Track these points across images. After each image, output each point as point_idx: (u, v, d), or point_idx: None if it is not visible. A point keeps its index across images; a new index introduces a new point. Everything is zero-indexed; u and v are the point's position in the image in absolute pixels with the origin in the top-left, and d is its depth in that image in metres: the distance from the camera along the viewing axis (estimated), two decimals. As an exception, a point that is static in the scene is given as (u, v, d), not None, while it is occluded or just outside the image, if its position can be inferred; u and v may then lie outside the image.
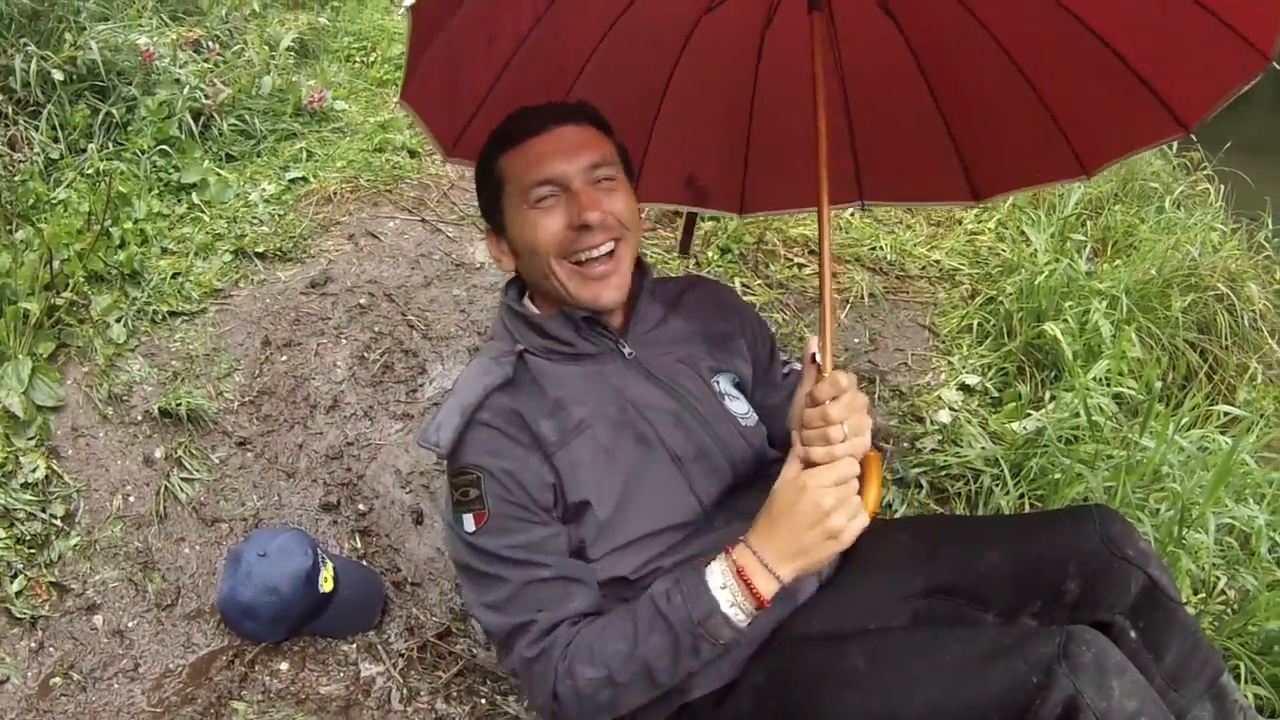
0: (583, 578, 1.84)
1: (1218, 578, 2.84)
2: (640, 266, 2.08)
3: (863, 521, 1.69)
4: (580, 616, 1.79)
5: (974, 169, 2.55)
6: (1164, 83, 2.15)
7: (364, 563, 2.83)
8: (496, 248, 2.03)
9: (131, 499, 2.90)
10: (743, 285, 3.78)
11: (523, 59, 2.14)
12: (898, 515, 3.01)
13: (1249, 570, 2.86)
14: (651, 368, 2.00)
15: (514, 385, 1.88)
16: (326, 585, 2.55)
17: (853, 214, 4.49)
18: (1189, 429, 3.36)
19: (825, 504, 1.64)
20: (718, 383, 2.09)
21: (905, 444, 3.30)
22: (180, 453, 3.00)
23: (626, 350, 1.99)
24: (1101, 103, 2.27)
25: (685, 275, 2.30)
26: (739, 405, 2.09)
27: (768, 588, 1.68)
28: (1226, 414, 3.54)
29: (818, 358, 1.80)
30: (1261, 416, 3.94)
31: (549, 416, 1.86)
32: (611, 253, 1.90)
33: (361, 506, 2.96)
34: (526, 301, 2.02)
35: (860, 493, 1.72)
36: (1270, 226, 5.40)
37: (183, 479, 2.95)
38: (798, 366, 2.23)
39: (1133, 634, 2.05)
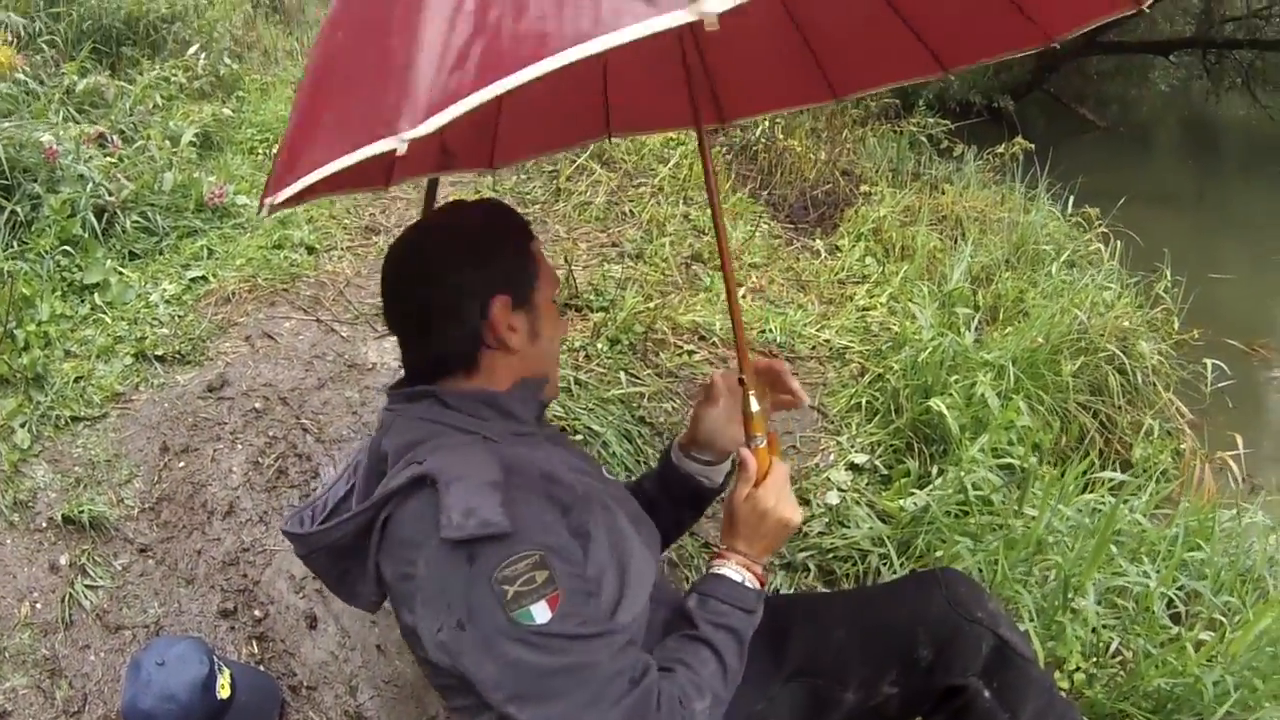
0: (636, 638, 1.79)
1: (1111, 639, 2.88)
2: None
3: None
4: (658, 669, 1.71)
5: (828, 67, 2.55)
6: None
7: (261, 668, 2.83)
8: (508, 320, 1.85)
9: (39, 606, 2.89)
10: (631, 376, 3.81)
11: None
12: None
13: (1143, 630, 2.91)
14: (559, 441, 2.04)
15: (508, 462, 1.70)
16: (224, 692, 2.54)
17: (742, 296, 4.55)
18: (1081, 493, 3.42)
19: (785, 513, 1.90)
20: None
21: (793, 528, 3.31)
22: (84, 560, 3.00)
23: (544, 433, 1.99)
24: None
25: None
26: None
27: (763, 575, 1.94)
28: (1114, 480, 3.59)
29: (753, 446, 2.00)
30: (1161, 473, 4.03)
31: (554, 485, 1.71)
32: None
33: (258, 612, 2.96)
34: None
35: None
36: (1169, 277, 5.52)
37: (87, 586, 2.95)
38: None
39: (987, 694, 2.09)
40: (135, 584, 2.99)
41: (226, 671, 2.59)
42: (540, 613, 1.54)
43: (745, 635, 1.85)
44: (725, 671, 1.79)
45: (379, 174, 2.27)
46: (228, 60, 6.92)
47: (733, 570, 1.89)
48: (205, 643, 2.63)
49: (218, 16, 7.80)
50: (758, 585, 1.90)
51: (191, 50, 6.70)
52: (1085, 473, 3.51)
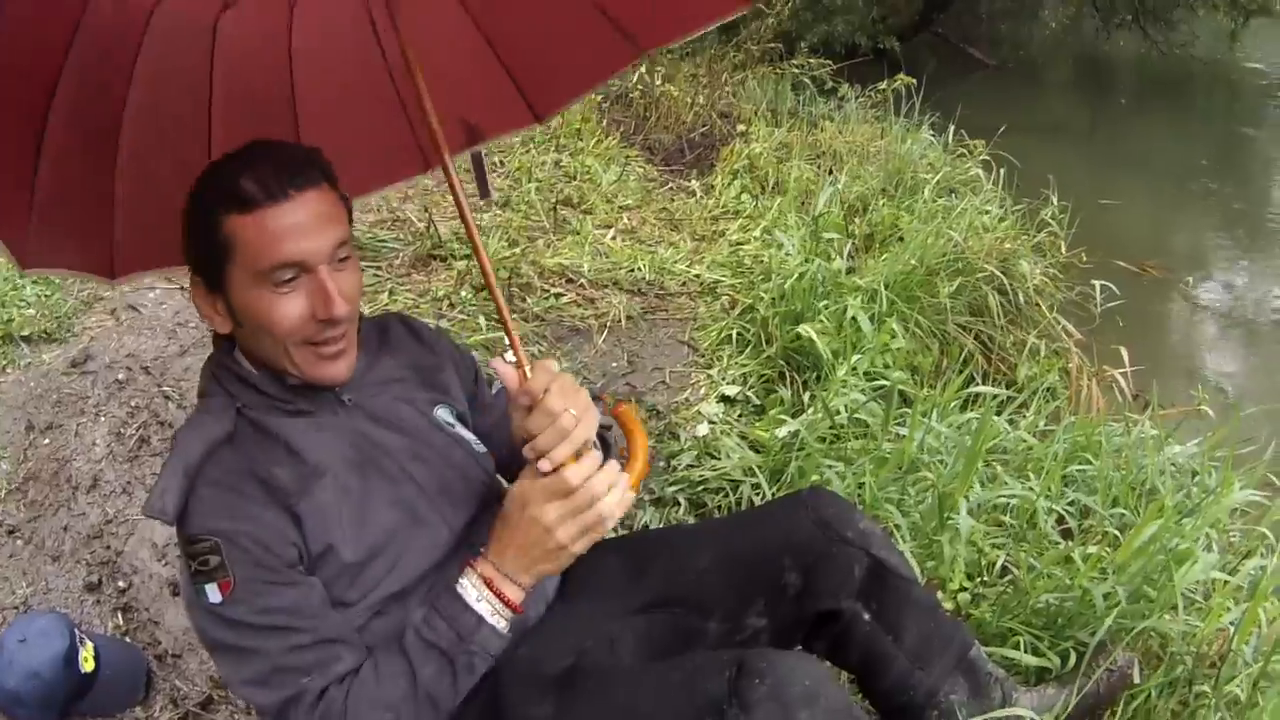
0: (344, 636, 1.70)
1: (997, 557, 2.83)
2: None
3: (626, 500, 1.67)
4: (349, 674, 1.67)
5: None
6: None
7: (127, 639, 2.80)
8: (209, 305, 1.76)
9: (-93, 598, 2.84)
10: (493, 322, 3.75)
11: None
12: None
13: (1031, 547, 2.87)
14: (375, 410, 1.88)
15: (237, 440, 1.72)
16: (87, 665, 2.51)
17: (612, 238, 4.51)
18: (961, 410, 3.37)
19: (546, 520, 1.62)
20: (440, 414, 1.98)
21: (661, 463, 3.27)
22: (-47, 547, 2.96)
23: (346, 398, 1.85)
24: None
25: (377, 315, 2.15)
26: (465, 434, 2.00)
27: (516, 595, 1.67)
28: (997, 395, 3.54)
29: (509, 359, 1.77)
30: (1048, 391, 4.01)
31: (283, 465, 1.70)
32: (345, 333, 1.74)
33: (121, 583, 2.93)
34: (239, 356, 1.81)
35: (627, 457, 1.78)
36: (1055, 203, 5.53)
37: (-43, 573, 2.90)
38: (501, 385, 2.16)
39: (866, 617, 2.01)
40: (4, 566, 2.98)
41: (89, 645, 2.56)
42: (213, 593, 1.62)
43: (459, 660, 1.67)
44: (416, 693, 1.66)
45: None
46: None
47: (469, 584, 1.69)
48: (66, 617, 2.62)
49: None
50: (497, 607, 1.68)
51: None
52: (964, 388, 3.46)
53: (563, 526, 1.62)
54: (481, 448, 1.99)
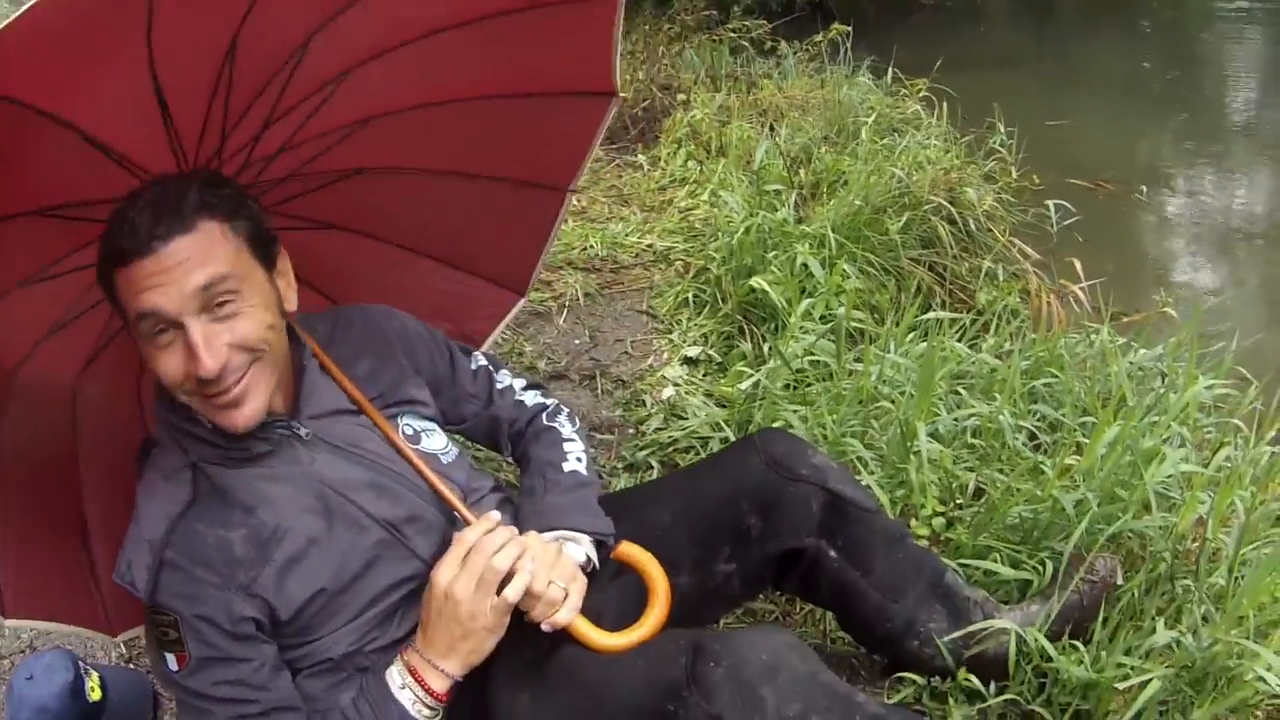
0: (292, 703, 1.75)
1: (969, 479, 2.84)
2: (294, 340, 1.86)
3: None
4: None
5: None
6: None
7: (131, 666, 2.82)
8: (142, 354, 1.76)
9: (-87, 656, 2.83)
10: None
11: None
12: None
13: (1004, 465, 2.90)
14: (334, 440, 1.85)
15: (196, 508, 1.73)
16: (94, 694, 2.50)
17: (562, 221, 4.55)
18: (924, 340, 3.40)
19: (454, 591, 1.66)
20: (406, 427, 1.95)
21: (631, 430, 3.32)
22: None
23: (303, 432, 1.82)
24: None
25: (328, 311, 2.10)
26: (435, 440, 1.99)
27: (441, 685, 1.71)
28: (953, 319, 3.63)
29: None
30: (1013, 314, 4.04)
31: (240, 527, 1.72)
32: (242, 378, 1.66)
33: (122, 617, 2.94)
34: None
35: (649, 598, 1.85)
36: (1001, 130, 5.54)
37: (-35, 629, 2.90)
38: (483, 361, 2.17)
39: (832, 553, 2.03)
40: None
41: (95, 674, 2.55)
42: (172, 662, 1.71)
43: None
44: None
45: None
46: None
47: (396, 672, 1.74)
48: (70, 652, 2.59)
49: None
50: (420, 695, 1.71)
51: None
52: (922, 322, 3.53)
53: (461, 585, 1.67)
54: (453, 453, 2.00)
